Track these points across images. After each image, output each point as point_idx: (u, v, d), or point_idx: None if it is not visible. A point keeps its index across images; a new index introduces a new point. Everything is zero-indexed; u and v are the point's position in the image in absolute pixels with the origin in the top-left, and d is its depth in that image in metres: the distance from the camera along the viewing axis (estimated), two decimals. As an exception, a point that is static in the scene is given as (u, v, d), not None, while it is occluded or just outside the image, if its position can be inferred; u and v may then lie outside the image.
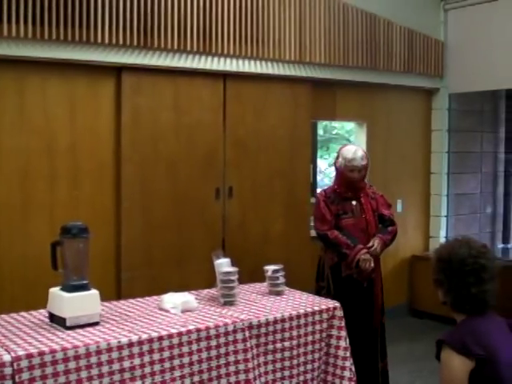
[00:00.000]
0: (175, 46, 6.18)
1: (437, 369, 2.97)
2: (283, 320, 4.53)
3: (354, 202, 5.49)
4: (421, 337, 7.53)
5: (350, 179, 5.44)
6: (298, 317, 4.61)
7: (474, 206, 9.10)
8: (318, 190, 6.36)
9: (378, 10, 7.76)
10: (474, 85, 8.42)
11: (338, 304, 4.85)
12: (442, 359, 2.94)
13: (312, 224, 5.89)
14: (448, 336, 2.95)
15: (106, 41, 5.82)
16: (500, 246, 9.46)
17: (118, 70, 6.09)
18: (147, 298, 4.91)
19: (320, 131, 11.56)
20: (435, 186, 8.72)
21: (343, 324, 4.77)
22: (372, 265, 5.36)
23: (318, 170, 11.04)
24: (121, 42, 5.88)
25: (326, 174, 12.68)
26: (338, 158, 5.54)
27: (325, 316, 4.72)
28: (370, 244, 5.45)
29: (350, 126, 10.59)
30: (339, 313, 4.78)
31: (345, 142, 12.50)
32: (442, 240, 8.49)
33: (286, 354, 4.54)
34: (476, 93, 8.73)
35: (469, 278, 3.00)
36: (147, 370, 3.89)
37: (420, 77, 8.37)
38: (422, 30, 8.27)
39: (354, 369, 4.75)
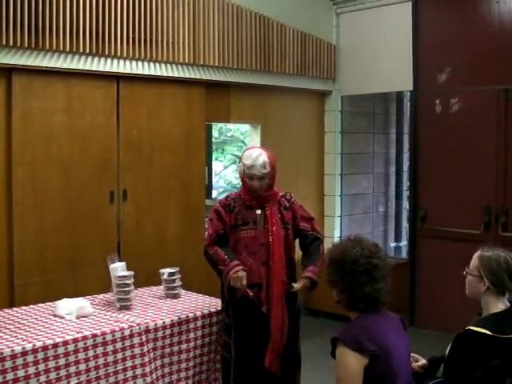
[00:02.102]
0: (67, 47, 6.06)
1: (331, 368, 3.02)
2: (180, 323, 4.55)
3: (258, 212, 4.67)
4: (317, 335, 7.60)
5: (250, 188, 4.68)
6: (195, 319, 4.63)
7: (367, 205, 9.28)
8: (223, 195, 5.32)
9: (272, 13, 7.81)
10: (365, 87, 8.60)
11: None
12: (336, 356, 3.00)
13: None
14: (342, 333, 3.01)
15: (-5, 41, 5.67)
16: (392, 244, 9.68)
17: (8, 71, 5.92)
18: (41, 305, 4.84)
19: (215, 133, 11.61)
20: (329, 186, 8.85)
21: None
22: (244, 282, 4.45)
23: (213, 172, 11.09)
24: (11, 42, 5.72)
25: (221, 176, 12.74)
26: (240, 161, 4.82)
27: (221, 317, 4.74)
28: (295, 286, 4.59)
29: (244, 128, 10.66)
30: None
31: (240, 144, 12.59)
32: (337, 240, 8.62)
33: (183, 356, 4.57)
34: (368, 95, 8.92)
35: (362, 277, 3.07)
36: (42, 378, 3.83)
37: (313, 79, 8.48)
38: (314, 33, 8.38)
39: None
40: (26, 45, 5.82)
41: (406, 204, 9.38)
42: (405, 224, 9.51)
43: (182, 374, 4.57)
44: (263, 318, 4.55)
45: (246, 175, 4.64)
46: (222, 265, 4.57)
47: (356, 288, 3.07)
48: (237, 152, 12.90)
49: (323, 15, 8.65)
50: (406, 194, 9.43)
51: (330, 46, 8.60)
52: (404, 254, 9.10)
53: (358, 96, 8.85)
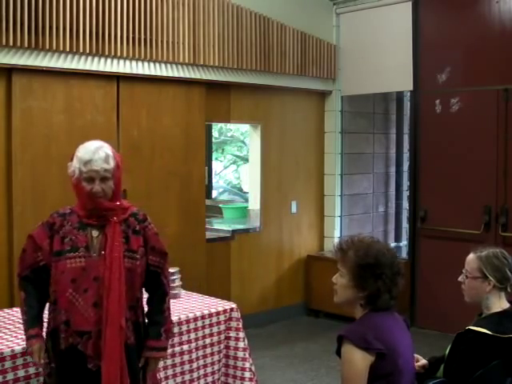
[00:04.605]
0: (67, 47, 6.06)
1: (333, 367, 3.02)
2: (180, 323, 4.54)
3: (94, 232, 3.51)
4: (317, 336, 7.62)
5: (88, 195, 3.48)
6: (195, 319, 4.63)
7: (367, 205, 9.27)
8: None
9: (272, 13, 7.81)
10: (365, 87, 8.60)
11: (234, 305, 4.86)
12: (342, 354, 2.98)
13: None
14: (348, 331, 2.99)
15: (-5, 41, 5.67)
16: (392, 244, 9.66)
17: (8, 71, 5.92)
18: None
19: (215, 133, 11.60)
20: (329, 186, 8.85)
21: (241, 325, 4.80)
22: (36, 359, 3.46)
23: (213, 172, 11.09)
24: (11, 42, 5.72)
25: (221, 176, 12.73)
26: (71, 160, 3.55)
27: (222, 318, 4.74)
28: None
29: (245, 128, 10.66)
30: (236, 314, 4.81)
31: (240, 144, 12.57)
32: (337, 240, 8.62)
33: (186, 357, 4.55)
34: (368, 95, 8.91)
35: (397, 278, 3.07)
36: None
37: (313, 79, 8.48)
38: (314, 33, 8.38)
39: (254, 369, 4.77)
40: (26, 45, 5.82)
41: (406, 204, 9.37)
42: (405, 224, 9.49)
43: (187, 377, 4.55)
44: (91, 377, 3.42)
45: (84, 177, 3.46)
46: (23, 324, 3.58)
47: (393, 289, 3.07)
48: (237, 152, 12.90)
49: (323, 15, 8.64)
50: (406, 194, 9.42)
51: (330, 46, 8.59)
52: (404, 254, 9.08)
53: (358, 96, 8.84)
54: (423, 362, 3.60)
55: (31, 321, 3.48)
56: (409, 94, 8.51)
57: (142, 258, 3.57)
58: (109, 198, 3.51)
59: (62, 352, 3.43)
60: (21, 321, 4.22)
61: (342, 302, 3.16)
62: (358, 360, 2.91)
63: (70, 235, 3.47)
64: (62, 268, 3.42)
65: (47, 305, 3.58)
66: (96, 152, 3.45)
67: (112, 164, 3.48)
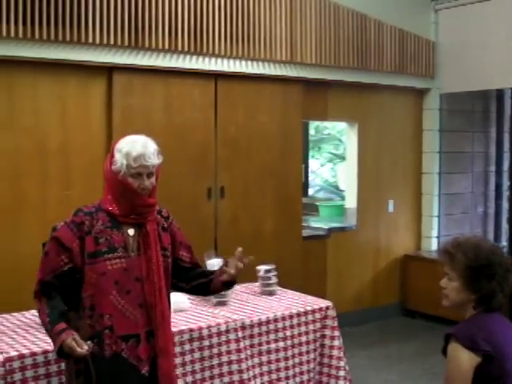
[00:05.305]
0: (166, 46, 6.17)
1: (427, 370, 2.97)
2: (276, 320, 4.54)
3: (130, 231, 3.29)
4: (412, 337, 7.52)
5: (134, 192, 3.26)
6: (291, 317, 4.63)
7: (466, 205, 9.11)
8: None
9: (369, 10, 7.75)
10: (465, 85, 8.43)
11: (330, 304, 4.84)
12: (448, 353, 2.94)
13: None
14: (457, 330, 2.95)
15: (97, 41, 5.80)
16: (491, 245, 9.47)
17: (109, 70, 6.07)
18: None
19: (311, 131, 11.59)
20: (426, 185, 8.73)
21: (336, 324, 4.77)
22: (85, 348, 2.96)
23: (310, 170, 11.08)
24: (112, 41, 5.87)
25: (317, 174, 12.70)
26: (112, 156, 3.31)
27: (317, 316, 4.73)
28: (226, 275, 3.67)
29: (341, 126, 10.62)
30: (332, 312, 4.79)
31: (337, 142, 12.53)
32: (434, 240, 8.52)
33: (281, 354, 4.55)
34: (467, 93, 8.74)
35: (509, 276, 3.03)
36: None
37: (411, 77, 8.37)
38: (412, 30, 8.27)
39: (348, 368, 4.75)
40: (127, 44, 5.96)
41: (506, 204, 9.17)
42: (505, 225, 9.30)
43: (282, 374, 4.55)
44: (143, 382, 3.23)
45: (132, 172, 3.23)
46: (45, 329, 3.18)
47: (504, 287, 3.03)
48: (333, 150, 12.85)
49: (421, 12, 8.52)
50: (506, 194, 9.22)
51: (428, 43, 8.47)
52: (504, 256, 8.91)
53: (456, 94, 8.68)
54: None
55: (56, 319, 3.10)
56: (510, 91, 8.32)
57: (171, 255, 3.43)
58: (149, 194, 3.34)
59: (105, 360, 3.16)
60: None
61: (454, 305, 3.10)
62: (464, 360, 2.86)
63: (105, 235, 3.22)
64: (101, 270, 3.17)
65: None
66: (145, 146, 3.26)
67: (159, 159, 3.31)
